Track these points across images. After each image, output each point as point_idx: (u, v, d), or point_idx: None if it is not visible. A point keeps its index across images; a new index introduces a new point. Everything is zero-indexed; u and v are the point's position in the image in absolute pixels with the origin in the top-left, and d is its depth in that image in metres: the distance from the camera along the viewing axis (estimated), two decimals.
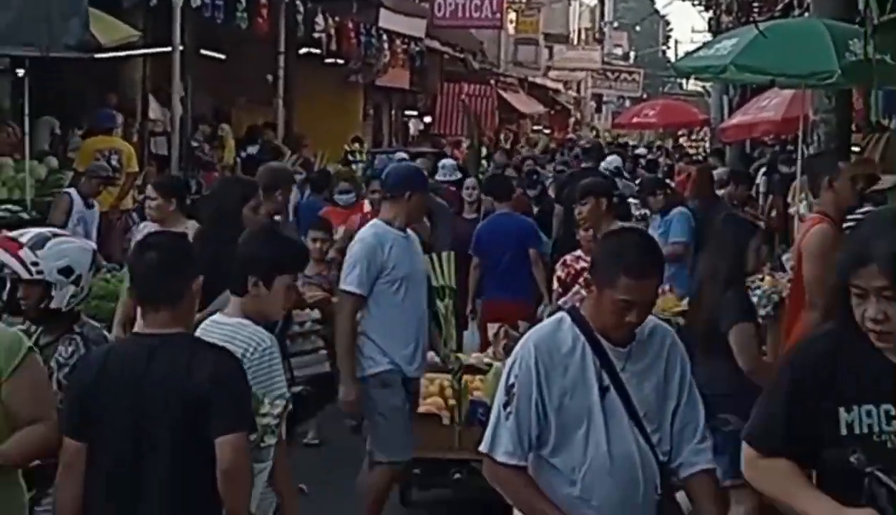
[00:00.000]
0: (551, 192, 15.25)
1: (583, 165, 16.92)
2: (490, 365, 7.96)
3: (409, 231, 7.21)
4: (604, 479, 4.15)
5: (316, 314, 5.96)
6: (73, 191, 11.36)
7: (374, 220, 7.31)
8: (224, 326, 5.05)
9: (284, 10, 18.00)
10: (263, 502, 4.81)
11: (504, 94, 36.04)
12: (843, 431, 3.45)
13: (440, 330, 7.77)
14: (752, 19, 17.28)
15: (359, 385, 7.00)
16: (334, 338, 7.01)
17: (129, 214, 13.72)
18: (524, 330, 7.27)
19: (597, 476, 4.15)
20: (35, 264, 5.08)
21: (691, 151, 33.88)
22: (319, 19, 19.16)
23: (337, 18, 20.09)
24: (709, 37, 27.04)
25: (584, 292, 4.87)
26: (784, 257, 10.30)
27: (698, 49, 12.60)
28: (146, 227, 8.19)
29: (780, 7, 19.34)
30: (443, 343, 7.76)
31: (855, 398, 3.45)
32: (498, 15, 30.36)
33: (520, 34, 40.59)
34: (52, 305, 5.11)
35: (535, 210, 13.44)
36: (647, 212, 12.17)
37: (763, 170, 18.27)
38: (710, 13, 30.06)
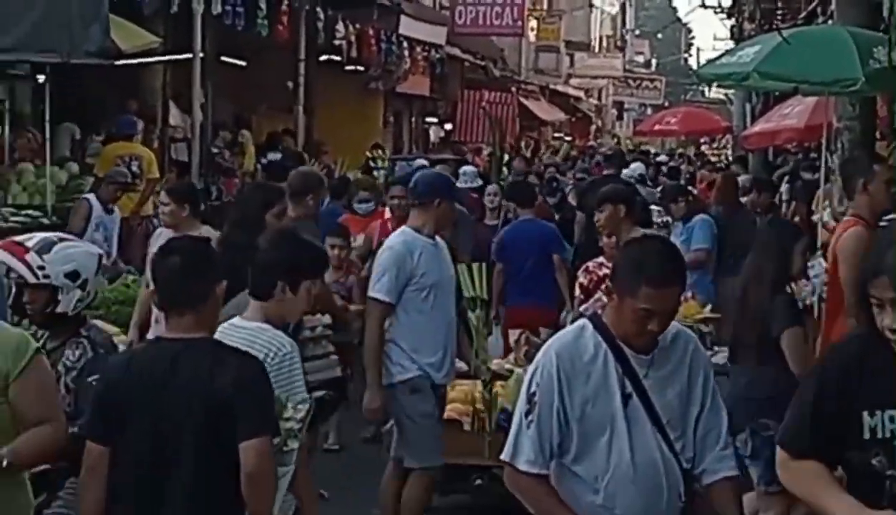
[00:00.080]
0: (571, 199, 15.21)
1: (604, 172, 16.87)
2: (511, 372, 7.92)
3: (437, 238, 7.19)
4: (627, 487, 4.13)
5: (327, 319, 5.95)
6: (92, 196, 11.36)
7: (403, 227, 7.28)
8: (243, 330, 5.06)
9: (305, 18, 17.98)
10: (284, 505, 4.81)
11: (525, 102, 36.01)
12: (867, 435, 3.53)
13: (471, 340, 7.75)
14: (774, 27, 17.21)
15: (383, 392, 6.99)
16: (359, 344, 7.00)
17: (149, 220, 13.70)
18: (545, 336, 7.25)
19: (620, 485, 4.13)
20: (41, 268, 5.08)
21: (713, 159, 33.78)
22: (340, 26, 19.15)
23: (357, 25, 20.07)
24: (731, 44, 26.97)
25: (605, 299, 4.83)
26: (807, 264, 10.22)
27: (721, 56, 12.55)
28: (161, 233, 8.19)
29: (803, 14, 19.27)
30: (474, 353, 7.73)
31: (878, 403, 3.52)
32: (519, 22, 30.32)
33: (541, 41, 40.52)
34: (59, 309, 5.12)
35: (556, 217, 13.40)
36: (670, 219, 12.13)
37: (786, 178, 18.18)
38: (733, 21, 30.04)
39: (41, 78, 12.83)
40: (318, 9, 18.29)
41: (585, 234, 12.06)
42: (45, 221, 11.58)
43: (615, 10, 60.25)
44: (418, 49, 24.32)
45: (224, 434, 4.18)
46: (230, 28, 15.21)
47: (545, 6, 42.41)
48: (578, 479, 4.17)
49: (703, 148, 42.58)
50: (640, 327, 4.08)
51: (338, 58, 19.93)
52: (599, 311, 4.43)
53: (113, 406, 4.30)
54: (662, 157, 32.77)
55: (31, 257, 5.10)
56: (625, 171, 17.53)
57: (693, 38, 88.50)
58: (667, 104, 53.07)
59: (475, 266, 7.78)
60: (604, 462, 4.14)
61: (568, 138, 43.45)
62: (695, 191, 16.55)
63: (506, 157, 22.40)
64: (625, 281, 4.11)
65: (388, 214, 10.74)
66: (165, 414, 4.22)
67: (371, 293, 7.06)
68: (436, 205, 7.12)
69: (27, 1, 10.75)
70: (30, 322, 5.20)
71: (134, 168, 13.51)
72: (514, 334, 9.11)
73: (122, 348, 7.58)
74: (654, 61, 74.94)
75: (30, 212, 11.90)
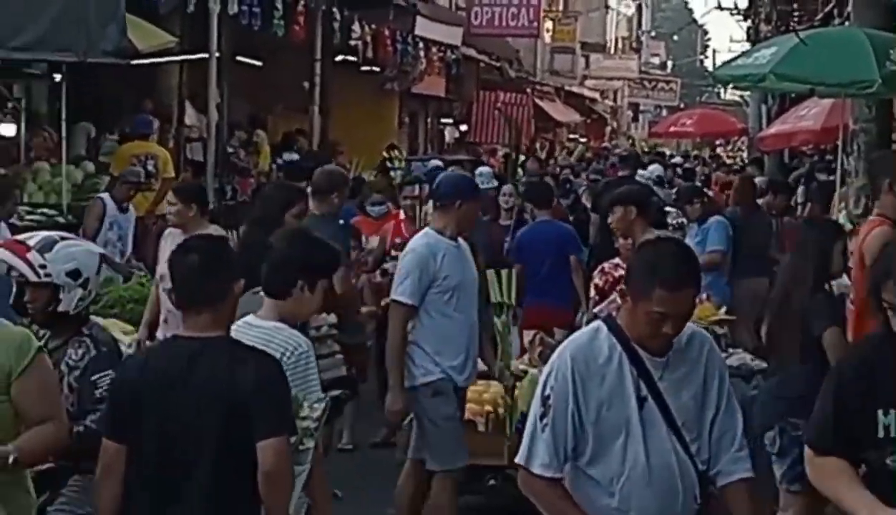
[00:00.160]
0: (585, 200, 15.20)
1: (619, 174, 16.87)
2: (525, 372, 7.92)
3: (460, 240, 7.17)
4: (642, 490, 4.12)
5: (332, 318, 5.96)
6: (106, 196, 11.37)
7: (426, 229, 7.28)
8: (258, 329, 5.05)
9: (321, 18, 17.98)
10: (297, 503, 4.80)
11: (540, 103, 35.94)
12: (881, 433, 3.59)
13: (494, 344, 7.74)
14: (791, 28, 17.19)
15: (405, 394, 6.99)
16: (386, 347, 7.01)
17: (164, 219, 13.70)
18: (560, 337, 7.24)
19: (635, 487, 4.12)
20: (43, 267, 5.08)
21: (728, 161, 33.72)
22: (356, 27, 19.15)
23: (373, 26, 20.07)
24: (747, 46, 26.87)
25: (619, 300, 4.82)
26: None
27: (737, 57, 12.53)
28: (170, 233, 8.22)
29: (819, 16, 19.21)
30: (499, 358, 7.72)
31: (893, 401, 3.58)
32: (535, 23, 30.27)
33: (556, 43, 40.45)
34: (60, 308, 5.12)
35: (570, 218, 13.40)
36: (685, 220, 12.10)
37: (802, 179, 18.15)
38: (749, 22, 29.95)
39: (57, 77, 12.84)
40: (335, 9, 18.29)
41: (600, 235, 12.05)
42: (61, 220, 11.60)
43: (631, 11, 60.17)
44: (434, 50, 24.30)
45: (242, 433, 4.19)
46: (246, 28, 15.22)
47: (561, 7, 42.35)
48: (593, 482, 4.16)
49: (719, 150, 42.49)
50: (654, 330, 4.06)
51: (353, 58, 19.92)
52: (614, 313, 4.41)
53: (129, 404, 4.30)
54: (678, 159, 32.75)
55: (33, 256, 5.10)
56: (643, 173, 17.59)
57: (709, 39, 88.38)
58: (682, 106, 52.95)
59: (504, 272, 7.78)
60: (619, 464, 4.12)
61: (583, 139, 43.42)
62: (710, 193, 16.52)
63: (521, 158, 22.40)
64: (638, 284, 4.09)
65: (402, 215, 10.74)
66: (183, 413, 4.22)
67: (394, 295, 7.06)
68: (457, 207, 7.09)
69: (44, 0, 10.77)
70: (31, 321, 5.18)
71: (150, 167, 13.52)
72: (528, 335, 9.10)
73: (131, 346, 7.64)
74: (669, 63, 74.78)
75: (45, 210, 11.90)
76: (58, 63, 12.20)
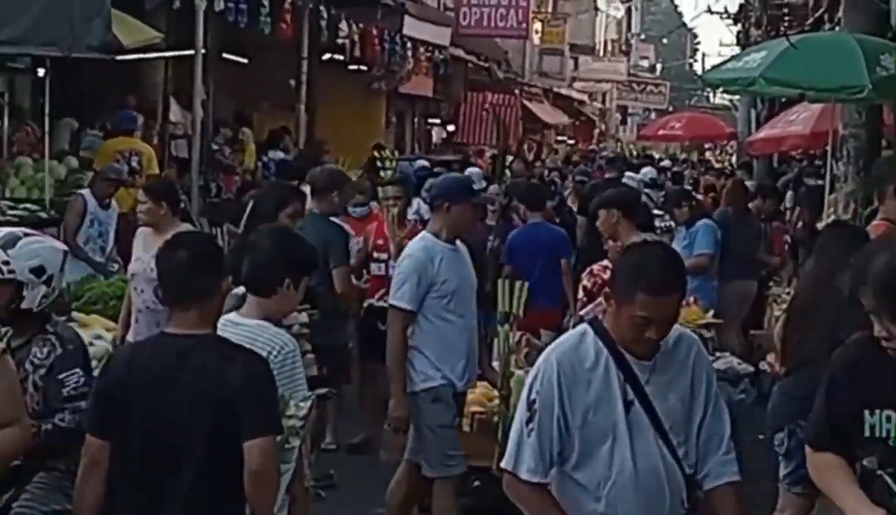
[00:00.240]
0: (571, 203, 15.17)
1: (606, 176, 16.85)
2: (512, 374, 7.84)
3: (458, 243, 7.10)
4: (629, 494, 4.09)
5: (304, 318, 5.91)
6: (87, 192, 11.27)
7: (423, 233, 7.20)
8: (242, 327, 5.02)
9: (308, 16, 17.91)
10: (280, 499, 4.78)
11: (528, 104, 35.96)
12: (867, 432, 3.67)
13: (499, 353, 7.67)
14: (781, 33, 17.16)
15: (408, 400, 6.92)
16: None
17: None
18: (546, 339, 7.16)
19: (621, 492, 4.09)
20: (6, 263, 5.01)
21: (717, 165, 33.73)
22: (343, 25, 19.08)
23: (361, 25, 20.00)
24: (737, 50, 26.87)
25: (605, 303, 4.76)
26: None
27: (727, 61, 12.50)
28: (141, 232, 8.13)
29: (810, 21, 19.20)
30: (501, 366, 7.64)
31: (877, 402, 3.65)
32: (524, 25, 30.24)
33: (545, 44, 40.48)
34: (24, 305, 5.04)
35: (557, 220, 13.36)
36: (673, 223, 12.07)
37: (790, 184, 18.15)
38: (739, 26, 29.95)
39: (41, 71, 12.74)
40: (322, 7, 18.22)
41: (588, 238, 12.02)
42: (44, 215, 11.56)
43: (620, 13, 60.23)
44: (422, 49, 24.25)
45: (229, 432, 4.17)
46: (233, 25, 15.14)
47: (550, 9, 42.37)
48: (580, 487, 4.13)
49: (708, 154, 42.53)
50: (637, 334, 4.02)
51: (341, 57, 19.87)
52: (600, 315, 4.35)
53: (115, 400, 4.26)
54: (666, 163, 32.77)
55: None
56: (636, 175, 17.60)
57: (698, 43, 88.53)
58: (671, 109, 53.05)
59: (518, 284, 7.70)
60: (605, 469, 4.09)
61: (571, 142, 43.44)
62: (699, 197, 16.50)
63: (508, 159, 22.39)
64: (622, 288, 4.06)
65: (382, 217, 10.69)
66: (170, 410, 4.19)
67: (392, 301, 7.00)
68: (445, 209, 7.02)
69: None
70: None
71: (133, 163, 13.46)
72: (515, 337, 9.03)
73: (99, 344, 7.54)
74: (658, 66, 74.88)
75: (28, 205, 11.83)
76: (42, 57, 12.11)
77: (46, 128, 12.26)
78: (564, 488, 4.15)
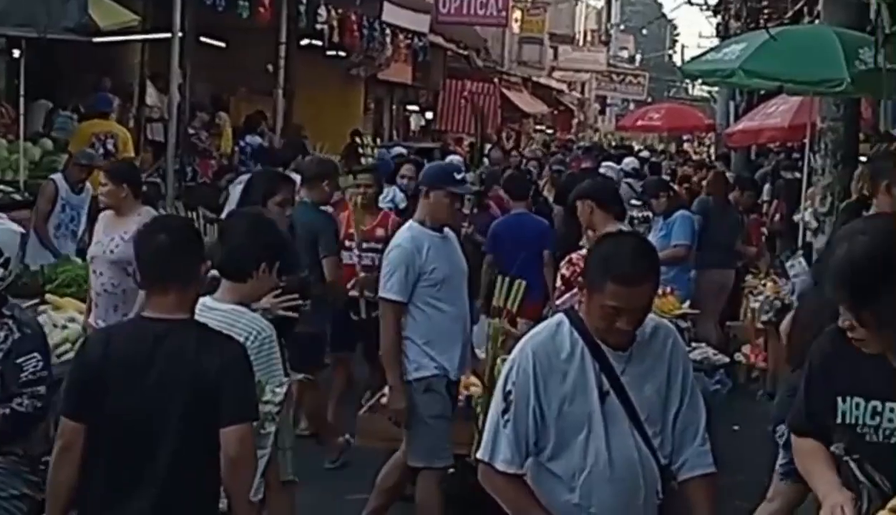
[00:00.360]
0: (547, 193, 15.13)
1: (583, 165, 16.84)
2: (499, 368, 7.81)
3: (447, 231, 7.04)
4: (603, 485, 4.08)
5: (266, 304, 5.87)
6: (59, 177, 11.14)
7: (410, 222, 7.11)
8: (218, 312, 4.99)
9: (287, 1, 17.80)
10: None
11: (507, 93, 35.92)
12: (839, 419, 3.68)
13: (488, 346, 7.62)
14: (761, 25, 17.15)
15: (407, 392, 6.86)
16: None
17: None
18: (523, 328, 7.11)
19: (596, 483, 4.08)
20: None
21: (695, 157, 33.78)
22: (322, 11, 18.96)
23: (340, 11, 19.89)
24: (716, 42, 26.90)
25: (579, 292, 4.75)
26: (788, 263, 10.17)
27: (707, 52, 12.50)
28: (103, 216, 8.00)
29: (790, 14, 19.21)
30: (490, 360, 7.60)
31: (848, 389, 3.66)
32: (503, 13, 30.16)
33: (525, 33, 40.45)
34: None
35: (532, 209, 13.34)
36: (650, 214, 12.07)
37: (767, 177, 18.20)
38: (719, 18, 29.99)
39: (16, 53, 12.63)
40: None
41: (564, 227, 12.00)
42: (18, 197, 11.47)
43: (600, 4, 60.27)
44: (401, 36, 24.14)
45: (206, 417, 4.14)
46: (211, 8, 15.02)
47: None
48: (554, 477, 4.12)
49: (686, 145, 42.58)
50: (608, 324, 4.01)
51: (319, 42, 19.76)
52: (576, 305, 4.32)
53: (91, 383, 4.22)
54: (645, 153, 32.80)
55: None
56: (616, 165, 17.61)
57: (678, 34, 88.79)
58: (650, 100, 53.12)
59: (518, 282, 7.65)
60: (580, 460, 4.08)
61: (549, 131, 43.43)
62: (676, 187, 16.52)
63: (486, 148, 22.35)
64: (593, 277, 4.05)
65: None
66: (147, 394, 4.15)
67: (382, 293, 6.92)
68: (423, 194, 6.99)
69: None
70: None
71: (109, 146, 13.34)
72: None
73: (73, 327, 7.46)
74: (638, 57, 74.98)
75: (2, 187, 11.74)
76: (17, 38, 11.99)
77: (21, 110, 12.16)
78: (540, 478, 4.14)
